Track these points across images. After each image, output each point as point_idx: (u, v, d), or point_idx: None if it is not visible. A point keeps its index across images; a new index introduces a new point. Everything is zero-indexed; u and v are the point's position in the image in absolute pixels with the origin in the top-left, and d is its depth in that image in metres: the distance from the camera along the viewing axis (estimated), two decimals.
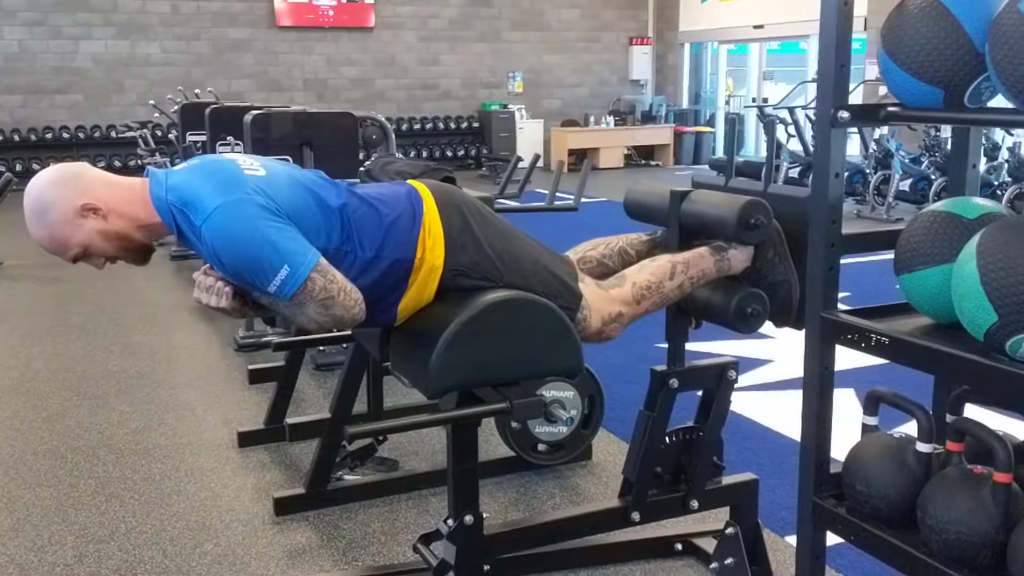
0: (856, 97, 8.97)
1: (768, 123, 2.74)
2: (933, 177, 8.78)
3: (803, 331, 2.06)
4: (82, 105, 12.42)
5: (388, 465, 3.22)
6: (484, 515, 2.11)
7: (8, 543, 2.77)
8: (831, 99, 1.65)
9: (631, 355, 4.32)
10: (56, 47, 12.23)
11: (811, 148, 10.18)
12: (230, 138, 5.17)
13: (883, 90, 9.34)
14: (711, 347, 4.20)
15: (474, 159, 14.27)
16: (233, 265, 1.80)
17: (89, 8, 12.28)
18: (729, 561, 2.43)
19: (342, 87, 13.72)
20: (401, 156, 4.40)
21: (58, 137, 12.17)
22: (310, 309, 1.83)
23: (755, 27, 13.68)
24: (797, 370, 4.27)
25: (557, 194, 4.32)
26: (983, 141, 5.23)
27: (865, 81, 10.08)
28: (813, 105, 10.19)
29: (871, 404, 1.78)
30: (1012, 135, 8.33)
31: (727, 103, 15.50)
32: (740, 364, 2.41)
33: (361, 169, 3.76)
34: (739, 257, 2.17)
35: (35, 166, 11.92)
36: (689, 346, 2.37)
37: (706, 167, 13.57)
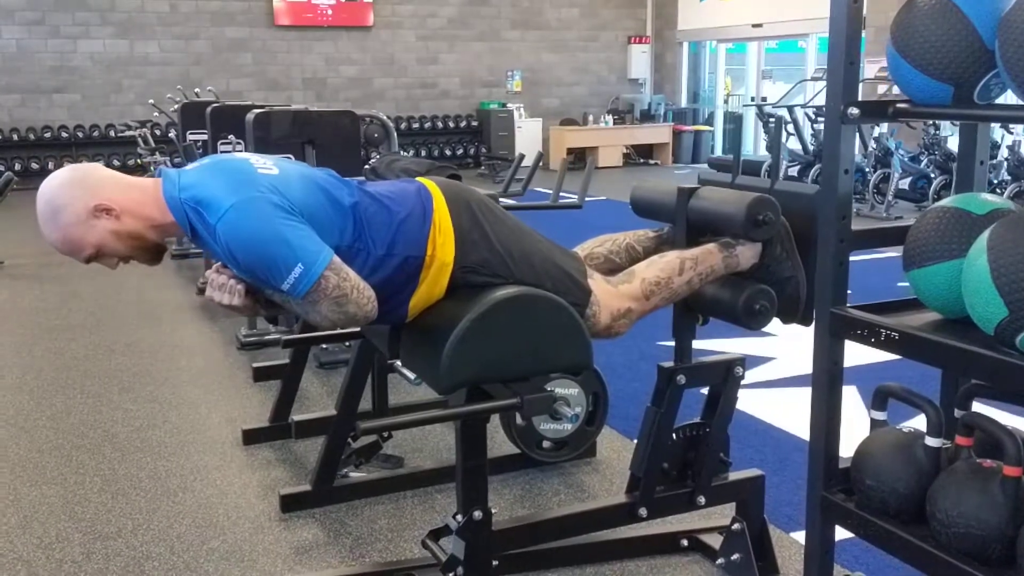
0: None
1: (776, 120, 2.77)
2: (933, 176, 8.80)
3: (809, 327, 2.08)
4: (81, 104, 12.42)
5: (393, 462, 3.23)
6: (492, 511, 2.12)
7: (15, 540, 2.77)
8: (840, 95, 1.66)
9: (634, 352, 4.33)
10: (55, 46, 12.22)
11: (810, 146, 10.22)
12: (231, 137, 5.16)
13: (882, 88, 9.36)
14: (714, 344, 4.21)
15: (473, 158, 14.28)
16: (247, 263, 1.80)
17: (87, 7, 12.28)
18: (735, 557, 2.45)
19: (341, 86, 13.73)
20: (406, 154, 4.41)
21: (57, 136, 12.17)
22: (323, 307, 1.84)
23: (754, 26, 13.70)
24: (800, 367, 4.30)
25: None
26: None
27: (865, 80, 10.10)
28: (812, 104, 10.29)
29: (880, 399, 1.79)
30: (1012, 133, 8.34)
31: (726, 102, 15.52)
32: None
33: (366, 167, 3.77)
34: (747, 254, 2.19)
35: (34, 165, 11.93)
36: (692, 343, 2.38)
37: (705, 166, 13.58)
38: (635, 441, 2.81)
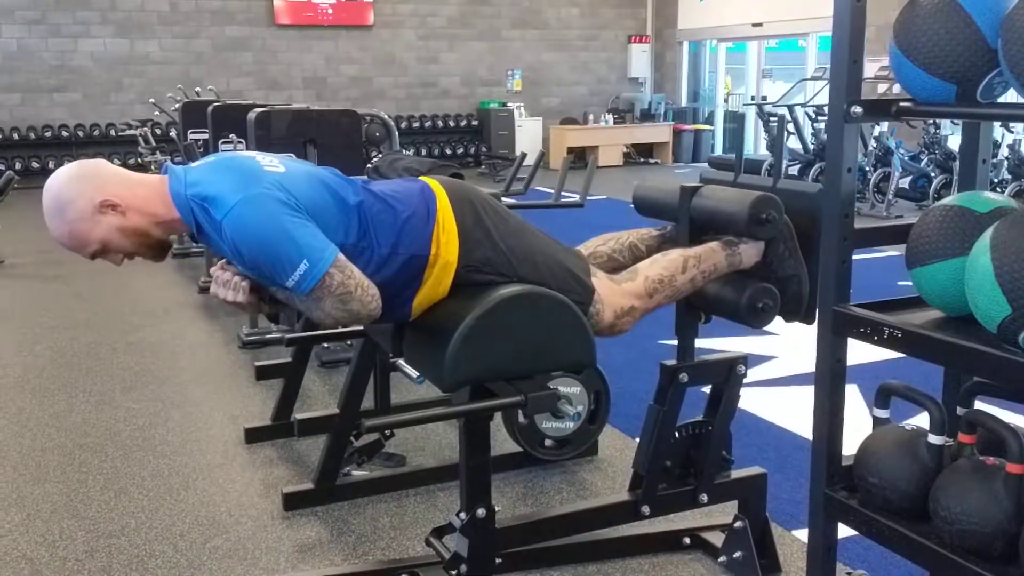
0: None
1: (779, 119, 2.78)
2: (933, 175, 8.80)
3: (811, 326, 2.08)
4: (81, 103, 12.42)
5: (395, 461, 3.24)
6: (496, 509, 2.12)
7: (19, 538, 2.78)
8: (844, 94, 1.66)
9: (635, 351, 4.34)
10: (55, 45, 12.22)
11: (810, 145, 10.23)
12: (232, 136, 5.17)
13: (882, 87, 9.36)
14: (714, 343, 4.22)
15: (473, 157, 14.29)
16: (253, 259, 1.81)
17: (88, 6, 12.28)
18: (738, 554, 2.45)
19: (341, 85, 13.73)
20: (407, 153, 4.42)
21: (57, 135, 12.17)
22: (327, 304, 1.84)
23: (754, 25, 13.70)
24: (801, 366, 4.31)
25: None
26: None
27: (865, 79, 10.09)
28: (812, 103, 10.29)
29: (882, 397, 1.80)
30: (1012, 132, 8.35)
31: (726, 101, 15.52)
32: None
33: (368, 166, 3.77)
34: (750, 252, 2.19)
35: (35, 165, 11.93)
36: None
37: (705, 165, 13.59)
38: (637, 439, 2.82)
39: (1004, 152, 8.33)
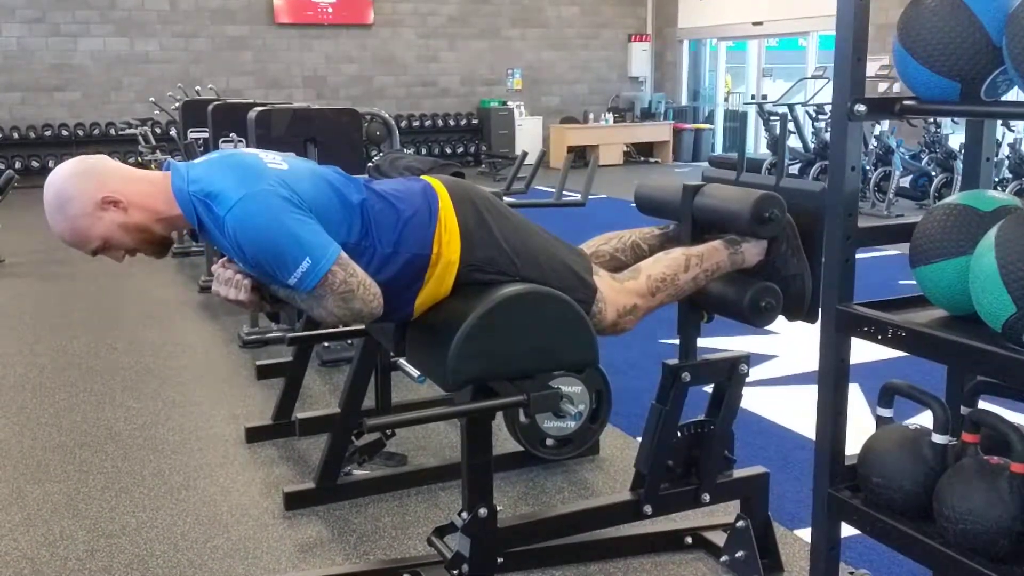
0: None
1: (781, 118, 2.79)
2: (934, 173, 8.80)
3: (813, 325, 2.08)
4: (81, 102, 12.42)
5: (397, 460, 3.23)
6: (498, 508, 2.12)
7: (20, 538, 2.77)
8: (848, 92, 1.66)
9: (636, 350, 4.33)
10: (55, 44, 12.22)
11: (810, 144, 10.22)
12: (233, 135, 5.17)
13: (883, 86, 9.36)
14: (715, 342, 4.21)
15: (473, 156, 14.28)
16: (255, 256, 1.81)
17: (88, 5, 12.28)
18: (740, 554, 2.45)
19: (341, 84, 13.73)
20: (408, 152, 4.41)
21: (57, 135, 12.16)
22: (329, 302, 1.84)
23: (754, 24, 13.70)
24: (802, 365, 4.31)
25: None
26: None
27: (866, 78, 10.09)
28: (813, 102, 10.29)
29: (886, 396, 1.79)
30: (1013, 131, 8.34)
31: (726, 100, 15.52)
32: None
33: (369, 165, 3.76)
34: (752, 251, 2.19)
35: (35, 164, 11.93)
36: None
37: (706, 164, 13.58)
38: (638, 439, 2.81)
39: (1005, 151, 8.32)
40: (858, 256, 1.75)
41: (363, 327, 2.61)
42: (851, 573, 2.36)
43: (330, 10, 13.44)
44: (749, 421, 3.56)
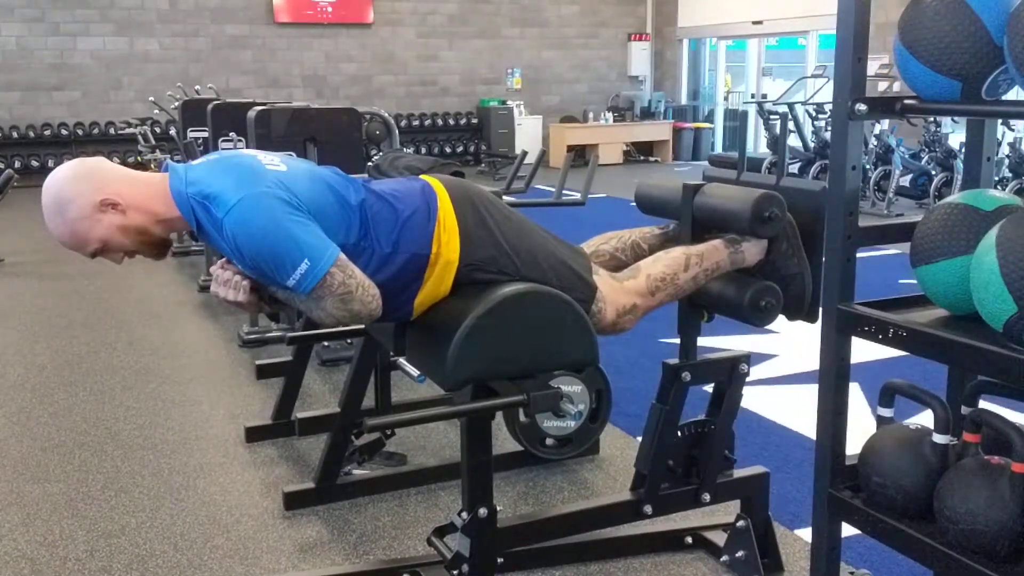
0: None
1: (781, 117, 2.78)
2: (934, 173, 8.79)
3: (814, 324, 2.07)
4: (81, 102, 12.41)
5: (396, 460, 3.23)
6: (498, 508, 2.12)
7: (19, 538, 2.77)
8: (848, 91, 1.65)
9: (635, 350, 4.33)
10: (54, 44, 12.21)
11: (810, 144, 10.22)
12: (232, 134, 5.16)
13: (883, 85, 9.36)
14: (714, 342, 4.21)
15: (473, 155, 14.28)
16: (253, 258, 1.80)
17: (87, 5, 12.27)
18: (740, 554, 2.44)
19: (341, 83, 13.72)
20: (408, 151, 4.41)
21: (57, 134, 12.16)
22: (328, 304, 1.83)
23: (754, 23, 13.69)
24: (802, 365, 4.31)
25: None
26: None
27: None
28: (813, 101, 10.28)
29: (887, 396, 1.79)
30: (1013, 130, 8.34)
31: (726, 99, 15.51)
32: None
33: (369, 164, 3.76)
34: (753, 250, 2.18)
35: (34, 163, 11.92)
36: None
37: (706, 163, 13.58)
38: (638, 438, 2.81)
39: (1005, 150, 8.32)
40: (858, 255, 1.75)
41: (362, 327, 2.61)
42: (851, 573, 2.36)
43: (330, 9, 13.44)
44: (749, 421, 3.55)
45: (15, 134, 12.03)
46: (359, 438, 3.05)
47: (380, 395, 3.22)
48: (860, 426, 1.91)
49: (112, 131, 12.18)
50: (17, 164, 11.65)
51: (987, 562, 1.51)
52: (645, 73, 15.76)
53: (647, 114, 15.06)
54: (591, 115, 14.75)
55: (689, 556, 2.61)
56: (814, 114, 10.26)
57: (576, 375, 2.03)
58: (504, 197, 3.00)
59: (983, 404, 1.76)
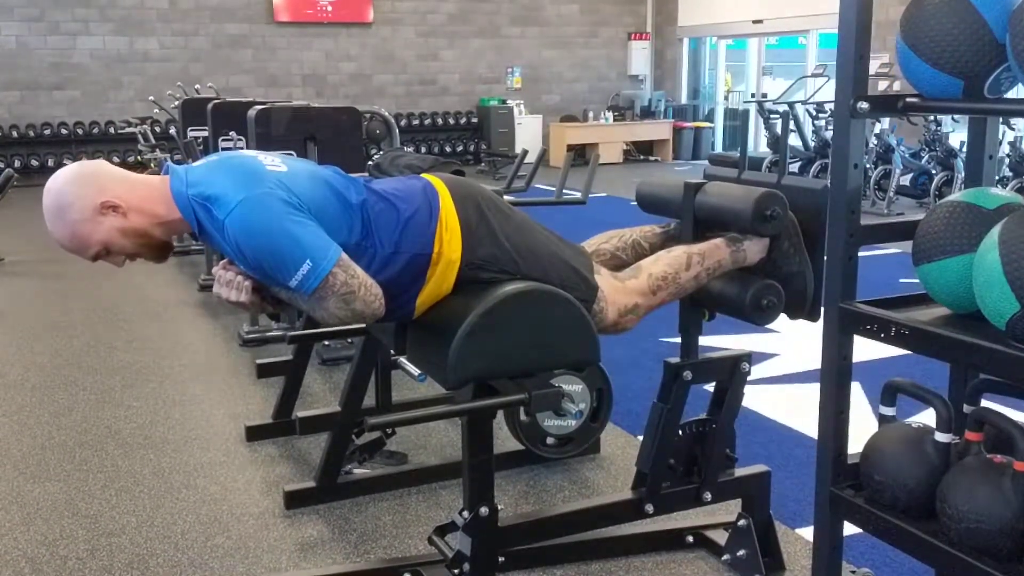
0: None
1: (782, 116, 2.79)
2: (934, 172, 8.79)
3: (815, 323, 2.07)
4: (80, 101, 12.41)
5: (397, 459, 3.23)
6: (499, 507, 2.12)
7: (19, 537, 2.77)
8: (850, 90, 1.65)
9: (636, 349, 4.33)
10: (54, 43, 12.21)
11: (810, 143, 10.22)
12: (232, 133, 5.16)
13: (883, 84, 9.35)
14: (716, 341, 4.20)
15: (472, 155, 14.27)
16: (255, 259, 1.80)
17: (87, 4, 12.27)
18: (741, 553, 2.44)
19: (340, 83, 13.72)
20: (408, 150, 4.41)
21: (56, 133, 12.15)
22: (330, 304, 1.83)
23: (754, 22, 13.69)
24: (803, 364, 4.30)
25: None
26: None
27: None
28: (813, 100, 10.28)
29: (889, 394, 1.79)
30: (1013, 129, 8.33)
31: (726, 98, 15.51)
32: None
33: (370, 163, 3.76)
34: (754, 249, 2.18)
35: (34, 163, 11.92)
36: None
37: (706, 162, 13.58)
38: (639, 437, 2.81)
39: (1005, 149, 8.32)
40: (859, 254, 1.75)
41: (363, 326, 2.60)
42: (853, 572, 2.36)
43: (329, 8, 13.43)
44: (751, 420, 3.55)
45: (15, 133, 12.03)
46: (360, 437, 3.05)
47: (381, 394, 3.22)
48: (862, 425, 1.91)
49: (112, 130, 12.17)
50: (17, 164, 11.65)
51: (989, 561, 1.51)
52: (645, 72, 15.75)
53: (647, 113, 15.05)
54: (591, 114, 14.74)
55: (690, 555, 2.61)
56: (814, 113, 10.25)
57: (577, 374, 2.03)
58: (505, 196, 3.00)
59: (985, 403, 1.76)
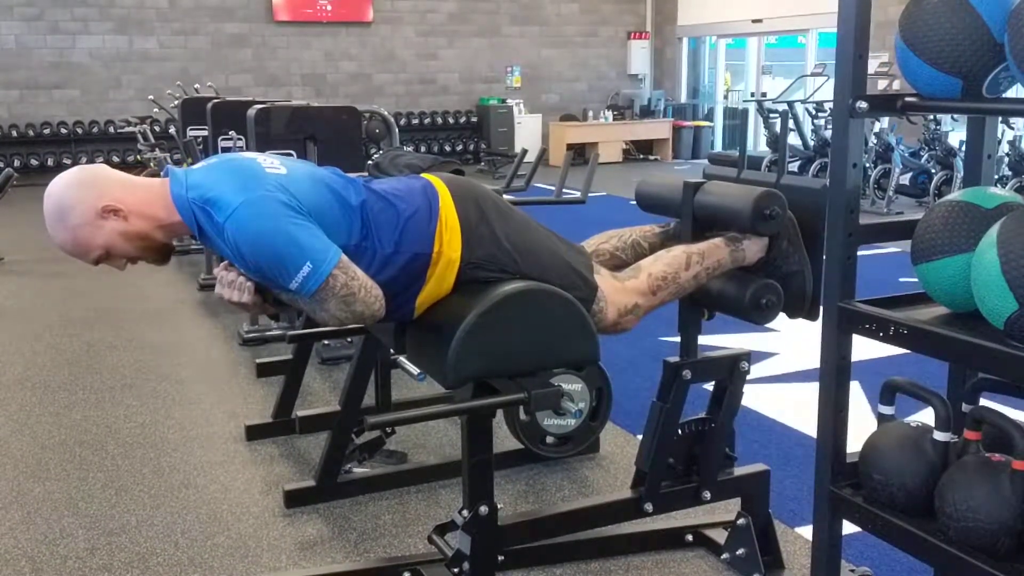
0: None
1: (782, 115, 2.81)
2: (933, 171, 8.79)
3: (814, 322, 2.07)
4: (80, 100, 12.40)
5: (397, 458, 3.23)
6: (498, 506, 2.12)
7: (20, 536, 2.77)
8: (849, 89, 1.66)
9: (636, 348, 4.33)
10: (53, 42, 12.20)
11: (810, 142, 10.22)
12: (232, 133, 5.16)
13: (882, 83, 9.36)
14: (716, 340, 4.21)
15: (472, 154, 14.27)
16: (256, 262, 1.80)
17: (86, 3, 12.26)
18: (741, 551, 2.44)
19: (340, 82, 13.71)
20: (408, 149, 4.41)
21: (56, 132, 12.14)
22: (331, 305, 1.84)
23: (753, 21, 13.69)
24: (803, 363, 4.31)
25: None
26: None
27: None
28: (813, 99, 10.28)
29: (887, 393, 1.79)
30: (1012, 128, 8.34)
31: (725, 98, 15.51)
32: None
33: (369, 162, 3.76)
34: (753, 248, 2.18)
35: (33, 162, 11.91)
36: None
37: (705, 161, 13.58)
38: (639, 436, 2.81)
39: (1004, 148, 8.32)
40: (858, 254, 1.75)
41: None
42: (852, 571, 2.36)
43: (329, 7, 13.42)
44: (750, 419, 3.56)
45: (14, 133, 12.01)
46: (360, 436, 3.05)
47: (380, 393, 3.23)
48: (861, 424, 1.92)
49: (111, 130, 12.16)
50: (16, 163, 11.64)
51: (987, 559, 1.52)
52: (645, 71, 15.75)
53: (647, 112, 15.06)
54: (591, 113, 14.74)
55: (690, 554, 2.62)
56: (814, 112, 10.26)
57: (577, 373, 2.03)
58: (504, 195, 3.00)
59: (984, 402, 1.76)
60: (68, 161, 11.91)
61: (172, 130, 8.66)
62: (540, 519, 2.36)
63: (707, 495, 2.39)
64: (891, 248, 5.93)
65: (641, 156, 14.89)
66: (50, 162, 11.94)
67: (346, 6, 13.52)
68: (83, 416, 3.77)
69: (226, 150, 5.11)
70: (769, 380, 4.11)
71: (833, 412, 1.78)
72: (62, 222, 1.86)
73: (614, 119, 14.73)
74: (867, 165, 9.14)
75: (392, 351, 2.24)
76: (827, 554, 1.84)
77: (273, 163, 1.92)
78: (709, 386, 2.44)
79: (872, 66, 9.93)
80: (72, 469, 3.25)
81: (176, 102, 7.89)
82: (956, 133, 8.97)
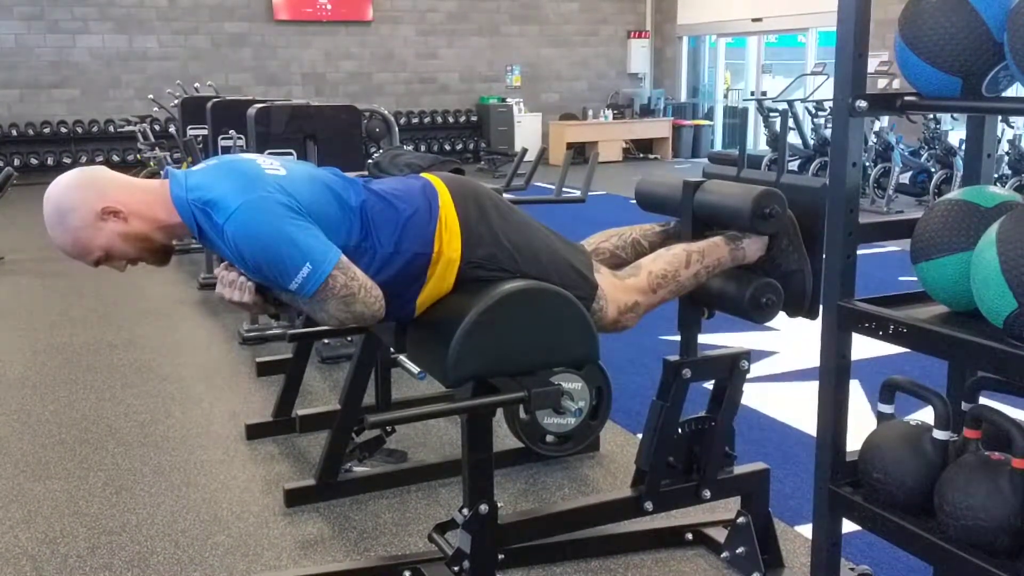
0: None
1: (782, 114, 2.81)
2: (933, 170, 8.79)
3: (814, 321, 2.08)
4: (80, 99, 12.40)
5: (397, 456, 3.23)
6: (498, 504, 2.12)
7: (20, 535, 2.77)
8: (849, 88, 1.66)
9: (636, 347, 4.33)
10: (53, 41, 12.20)
11: (810, 141, 10.22)
12: (232, 132, 5.16)
13: (882, 82, 9.35)
14: (716, 339, 4.21)
15: (472, 153, 14.27)
16: (256, 263, 1.81)
17: (86, 2, 12.26)
18: (741, 550, 2.45)
19: (340, 81, 13.72)
20: (409, 148, 4.41)
21: (56, 132, 12.14)
22: (331, 306, 1.84)
23: (753, 20, 13.69)
24: (803, 361, 4.31)
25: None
26: None
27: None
28: (813, 98, 10.28)
29: (887, 392, 1.79)
30: (1012, 127, 8.34)
31: (725, 96, 15.51)
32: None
33: (369, 161, 3.76)
34: (753, 247, 2.18)
35: (33, 161, 11.91)
36: None
37: (705, 160, 13.58)
38: (638, 436, 2.82)
39: (1004, 147, 8.33)
40: (858, 252, 1.75)
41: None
42: (852, 569, 2.36)
43: (329, 7, 13.43)
44: (750, 417, 3.56)
45: (14, 132, 12.02)
46: (360, 435, 3.06)
47: (381, 392, 3.23)
48: (860, 422, 1.92)
49: (111, 129, 12.17)
50: (16, 162, 11.63)
51: (987, 557, 1.52)
52: (645, 70, 15.75)
53: (647, 111, 15.06)
54: (590, 112, 14.75)
55: (690, 552, 2.62)
56: (813, 111, 10.26)
57: (576, 372, 2.03)
58: (504, 195, 3.00)
59: (983, 400, 1.77)
60: (68, 160, 11.92)
61: (172, 129, 8.66)
62: (540, 517, 2.36)
63: (707, 494, 2.39)
64: (891, 247, 5.93)
65: (641, 155, 14.90)
66: (50, 161, 11.94)
67: (346, 5, 13.53)
68: (83, 415, 3.78)
69: (226, 149, 5.12)
70: (769, 379, 4.11)
71: (833, 410, 1.78)
72: (62, 224, 1.86)
73: (614, 118, 14.73)
74: (867, 164, 9.13)
75: (392, 350, 2.25)
76: (827, 552, 1.84)
77: (273, 164, 1.93)
78: (709, 385, 2.44)
79: (872, 65, 9.92)
80: (73, 468, 3.26)
81: (176, 101, 7.89)
82: (956, 132, 8.96)
